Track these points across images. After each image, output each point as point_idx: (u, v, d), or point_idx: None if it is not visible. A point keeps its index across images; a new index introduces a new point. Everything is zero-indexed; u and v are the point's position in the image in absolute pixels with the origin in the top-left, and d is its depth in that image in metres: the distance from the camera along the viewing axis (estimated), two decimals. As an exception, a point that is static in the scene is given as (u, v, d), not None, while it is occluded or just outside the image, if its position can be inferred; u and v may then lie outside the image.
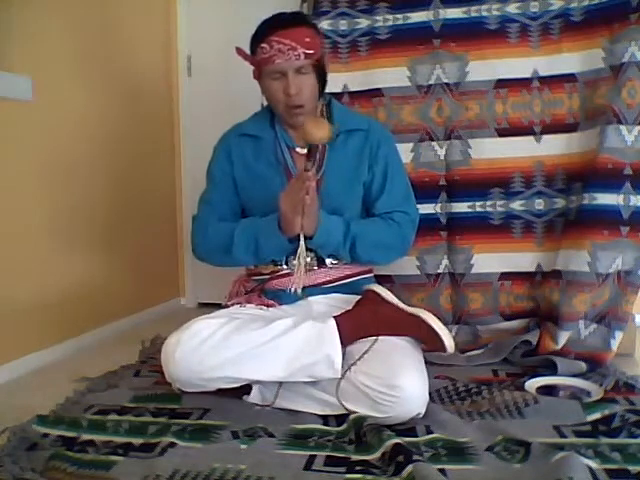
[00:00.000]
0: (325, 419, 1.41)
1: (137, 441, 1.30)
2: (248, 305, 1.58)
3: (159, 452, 1.23)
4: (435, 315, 1.48)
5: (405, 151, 1.93)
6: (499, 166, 1.94)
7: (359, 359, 1.39)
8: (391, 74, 1.99)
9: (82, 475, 1.16)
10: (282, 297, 1.60)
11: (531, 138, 1.93)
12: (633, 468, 1.14)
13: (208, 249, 1.60)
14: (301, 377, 1.39)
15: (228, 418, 1.41)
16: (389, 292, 1.55)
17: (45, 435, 1.33)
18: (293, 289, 1.53)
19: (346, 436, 1.31)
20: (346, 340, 1.41)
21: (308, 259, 1.54)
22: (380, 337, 1.43)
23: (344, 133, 1.59)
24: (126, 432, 1.35)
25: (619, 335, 1.81)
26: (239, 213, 1.65)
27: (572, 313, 1.80)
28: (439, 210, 1.98)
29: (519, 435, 1.26)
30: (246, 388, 1.47)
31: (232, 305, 1.60)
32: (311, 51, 1.46)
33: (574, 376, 1.69)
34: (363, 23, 2.02)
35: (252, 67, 1.55)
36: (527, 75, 1.92)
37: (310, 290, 1.57)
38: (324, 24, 2.01)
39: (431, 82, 1.98)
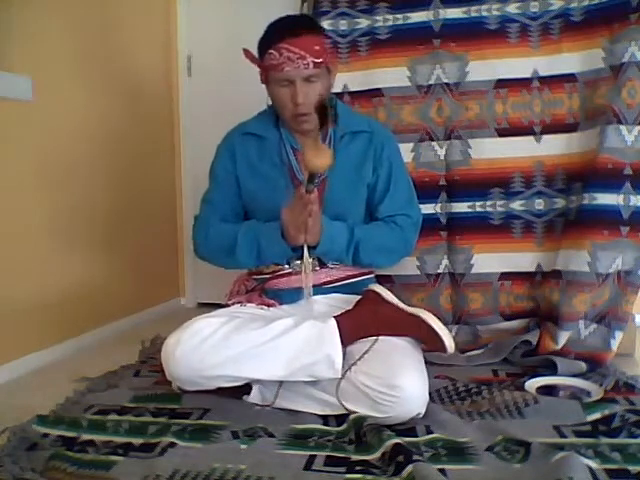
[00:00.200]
0: (325, 419, 1.41)
1: (137, 441, 1.30)
2: (249, 304, 1.58)
3: (159, 452, 1.23)
4: (435, 315, 1.49)
5: (405, 151, 1.93)
6: (499, 166, 1.94)
7: (359, 359, 1.39)
8: (391, 74, 1.99)
9: (82, 475, 1.16)
10: (283, 297, 1.60)
11: (531, 138, 1.93)
12: (633, 468, 1.14)
13: (210, 250, 1.60)
14: (301, 377, 1.39)
15: (228, 418, 1.41)
16: (389, 292, 1.55)
17: (45, 435, 1.33)
18: (306, 296, 1.54)
19: (346, 436, 1.31)
20: (346, 340, 1.41)
21: (310, 259, 1.54)
22: (380, 337, 1.43)
23: (348, 134, 1.59)
24: (126, 432, 1.35)
25: (619, 335, 1.81)
26: (241, 213, 1.65)
27: (572, 313, 1.80)
28: (439, 210, 1.98)
29: (519, 435, 1.26)
30: (246, 388, 1.47)
31: (233, 304, 1.60)
32: (320, 59, 1.45)
33: (574, 376, 1.69)
34: (363, 23, 2.02)
35: (258, 69, 1.53)
36: (527, 75, 1.92)
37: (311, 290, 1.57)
38: (324, 24, 2.01)
39: (431, 82, 1.98)
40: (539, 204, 1.93)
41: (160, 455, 1.22)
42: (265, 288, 1.63)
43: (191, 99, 2.89)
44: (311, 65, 1.44)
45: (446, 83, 1.97)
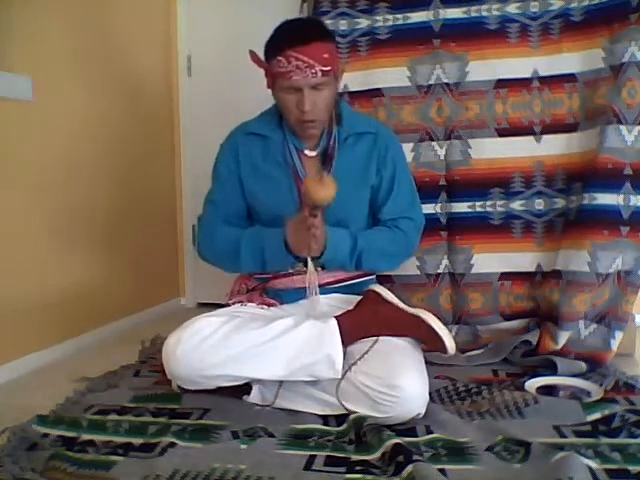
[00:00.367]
0: (325, 419, 1.41)
1: (137, 441, 1.30)
2: (249, 304, 1.58)
3: (159, 452, 1.23)
4: (435, 315, 1.49)
5: (405, 151, 1.91)
6: (499, 166, 1.94)
7: (359, 359, 1.39)
8: (391, 74, 1.99)
9: (82, 475, 1.16)
10: (283, 296, 1.60)
11: (531, 138, 1.93)
12: (633, 468, 1.14)
13: (214, 254, 1.60)
14: (301, 377, 1.39)
15: (228, 418, 1.41)
16: (390, 292, 1.55)
17: (45, 435, 1.33)
18: (310, 295, 1.53)
19: (346, 436, 1.31)
20: (347, 340, 1.41)
21: (313, 268, 1.53)
22: (381, 337, 1.43)
23: (353, 136, 1.59)
24: (126, 432, 1.35)
25: (619, 335, 1.81)
26: (245, 215, 1.63)
27: (572, 313, 1.80)
28: (439, 210, 1.98)
29: (519, 435, 1.27)
30: (246, 388, 1.47)
31: (233, 303, 1.59)
32: (328, 67, 1.42)
33: (574, 376, 1.69)
34: (363, 23, 2.02)
35: (262, 71, 1.50)
36: (527, 75, 1.92)
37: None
38: (324, 24, 2.01)
39: (431, 82, 1.98)
40: (539, 204, 1.93)
41: (160, 455, 1.22)
42: (266, 288, 1.63)
43: (191, 99, 2.89)
44: (319, 74, 1.41)
45: (446, 83, 1.97)
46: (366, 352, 1.40)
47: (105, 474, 1.16)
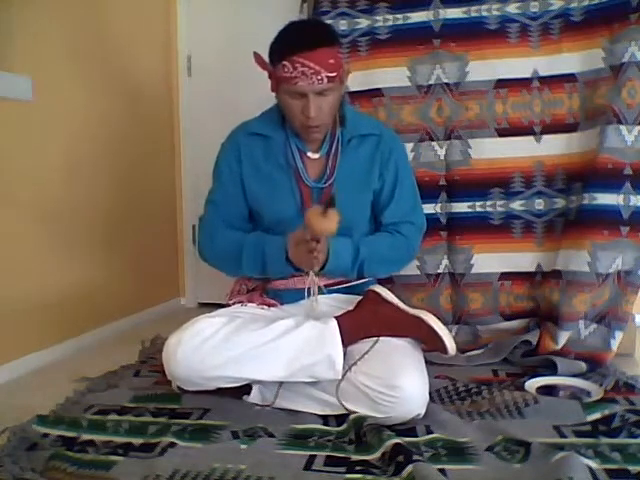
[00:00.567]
0: (325, 419, 1.41)
1: (137, 441, 1.30)
2: (249, 304, 1.57)
3: (159, 452, 1.23)
4: (435, 315, 1.49)
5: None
6: (499, 166, 1.94)
7: (359, 359, 1.39)
8: (391, 74, 1.99)
9: (82, 475, 1.16)
10: (284, 297, 1.60)
11: (531, 138, 1.93)
12: (633, 468, 1.14)
13: (215, 258, 1.59)
14: (302, 377, 1.39)
15: (228, 418, 1.41)
16: (390, 292, 1.55)
17: (45, 435, 1.33)
18: (312, 298, 1.53)
19: (346, 436, 1.31)
20: (347, 340, 1.41)
21: (315, 278, 1.53)
22: (381, 337, 1.43)
23: (356, 138, 1.58)
24: (126, 432, 1.35)
25: (619, 335, 1.81)
26: (246, 216, 1.62)
27: (572, 313, 1.80)
28: (439, 210, 1.98)
29: (519, 435, 1.27)
30: (246, 388, 1.47)
31: (233, 304, 1.59)
32: (334, 73, 1.40)
33: (574, 376, 1.69)
34: (363, 23, 2.02)
35: (266, 73, 1.48)
36: (527, 75, 1.92)
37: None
38: (324, 24, 2.01)
39: (431, 82, 1.98)
40: (539, 204, 1.93)
41: (160, 455, 1.22)
42: (266, 288, 1.62)
43: (191, 99, 2.89)
44: (325, 80, 1.39)
45: (446, 83, 1.97)
46: (366, 352, 1.39)
47: (105, 474, 1.16)
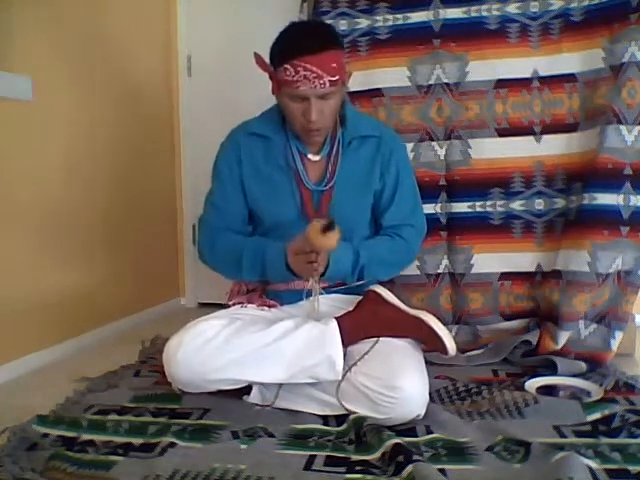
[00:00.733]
0: (325, 419, 1.41)
1: (137, 441, 1.30)
2: (249, 305, 1.57)
3: (159, 452, 1.23)
4: (435, 315, 1.48)
5: (405, 151, 1.93)
6: (499, 166, 1.94)
7: (359, 360, 1.39)
8: (391, 74, 1.99)
9: (82, 475, 1.16)
10: (284, 297, 1.60)
11: (531, 138, 1.93)
12: (633, 468, 1.14)
13: (215, 261, 1.59)
14: (302, 378, 1.39)
15: (228, 418, 1.41)
16: (390, 293, 1.54)
17: (45, 435, 1.33)
18: (312, 298, 1.53)
19: (346, 436, 1.31)
20: (347, 341, 1.41)
21: (316, 285, 1.53)
22: (381, 338, 1.43)
23: (357, 139, 1.57)
24: (126, 432, 1.35)
25: (619, 335, 1.81)
26: (246, 218, 1.61)
27: (572, 313, 1.80)
28: (439, 210, 1.98)
29: (519, 435, 1.27)
30: (246, 388, 1.47)
31: (233, 305, 1.59)
32: (336, 77, 1.38)
33: (574, 376, 1.69)
34: (363, 23, 2.02)
35: (266, 74, 1.47)
36: (527, 75, 1.92)
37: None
38: (324, 24, 2.01)
39: (431, 82, 1.98)
40: (539, 204, 1.93)
41: (160, 455, 1.22)
42: (266, 289, 1.62)
43: (191, 99, 2.89)
44: (327, 84, 1.37)
45: (446, 83, 1.97)
46: (366, 353, 1.39)
47: (105, 474, 1.16)
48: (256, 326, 1.41)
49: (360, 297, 1.55)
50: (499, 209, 1.95)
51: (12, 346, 1.86)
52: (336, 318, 1.44)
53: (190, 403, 1.50)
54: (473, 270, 1.96)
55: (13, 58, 1.85)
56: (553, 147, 1.92)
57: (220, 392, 1.45)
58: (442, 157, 1.98)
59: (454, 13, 1.96)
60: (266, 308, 1.57)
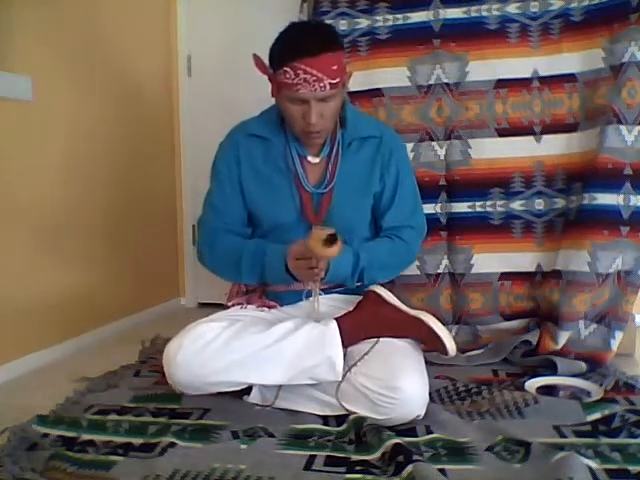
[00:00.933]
0: (325, 419, 1.41)
1: (137, 441, 1.30)
2: (249, 306, 1.57)
3: (159, 452, 1.23)
4: (435, 315, 1.49)
5: (405, 151, 1.93)
6: (499, 166, 1.94)
7: (359, 360, 1.39)
8: (391, 74, 1.99)
9: (82, 475, 1.16)
10: (284, 298, 1.59)
11: (531, 138, 1.93)
12: (633, 468, 1.14)
13: (214, 264, 1.58)
14: (303, 379, 1.39)
15: (228, 418, 1.41)
16: (390, 293, 1.54)
17: (45, 435, 1.33)
18: (312, 299, 1.53)
19: (346, 436, 1.31)
20: (347, 342, 1.41)
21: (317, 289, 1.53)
22: (381, 338, 1.43)
23: (357, 140, 1.56)
24: (126, 432, 1.35)
25: (619, 335, 1.81)
26: (245, 219, 1.60)
27: (572, 313, 1.80)
28: (439, 210, 1.98)
29: (519, 435, 1.27)
30: (246, 388, 1.46)
31: (232, 306, 1.59)
32: (337, 80, 1.37)
33: (574, 376, 1.69)
34: (363, 23, 2.02)
35: (265, 76, 1.46)
36: (527, 75, 1.92)
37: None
38: (324, 24, 2.01)
39: (431, 82, 1.98)
40: (539, 204, 1.93)
41: (160, 455, 1.22)
42: (266, 290, 1.61)
43: (191, 99, 2.89)
44: (328, 87, 1.35)
45: (446, 83, 1.97)
46: (366, 353, 1.39)
47: (105, 474, 1.16)
48: (256, 328, 1.41)
49: (360, 297, 1.55)
50: (499, 209, 1.95)
51: (12, 346, 1.86)
52: (336, 319, 1.44)
53: (190, 403, 1.50)
54: (473, 270, 1.96)
55: (13, 58, 1.85)
56: (553, 147, 1.92)
57: (220, 392, 1.45)
58: (442, 157, 1.98)
59: (454, 13, 1.96)
60: (266, 309, 1.57)
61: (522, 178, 1.94)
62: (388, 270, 1.60)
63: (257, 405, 1.47)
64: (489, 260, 1.95)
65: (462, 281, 1.97)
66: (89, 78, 2.24)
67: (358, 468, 1.17)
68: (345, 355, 1.40)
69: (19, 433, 1.31)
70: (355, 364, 1.38)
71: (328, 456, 1.22)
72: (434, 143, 1.99)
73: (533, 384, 1.63)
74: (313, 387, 1.43)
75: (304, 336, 1.38)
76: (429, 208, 1.95)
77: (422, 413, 1.35)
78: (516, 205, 1.95)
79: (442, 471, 1.14)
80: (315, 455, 1.23)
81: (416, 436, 1.30)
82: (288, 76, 1.36)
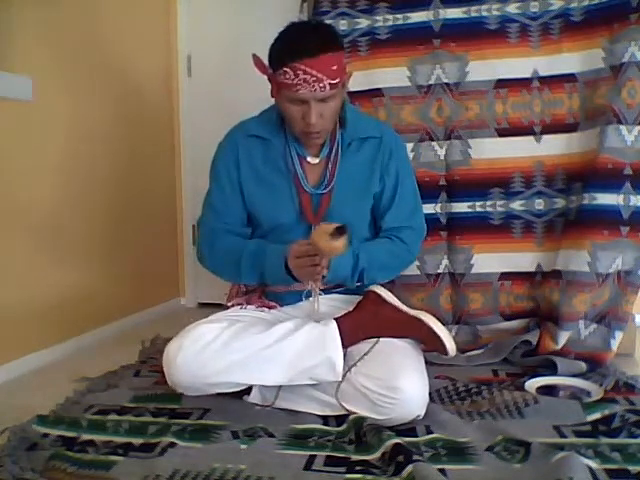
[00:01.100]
0: (325, 419, 1.41)
1: (137, 441, 1.30)
2: (249, 306, 1.57)
3: (159, 452, 1.23)
4: (435, 315, 1.49)
5: (405, 151, 1.93)
6: (499, 166, 1.94)
7: (359, 360, 1.39)
8: (391, 74, 1.99)
9: (82, 475, 1.16)
10: (284, 298, 1.59)
11: (531, 138, 1.93)
12: (633, 468, 1.14)
13: (214, 264, 1.58)
14: (303, 380, 1.39)
15: (228, 418, 1.41)
16: (390, 293, 1.54)
17: (45, 435, 1.33)
18: (312, 299, 1.52)
19: (346, 436, 1.31)
20: (347, 342, 1.41)
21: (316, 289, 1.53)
22: (381, 338, 1.43)
23: (357, 141, 1.56)
24: (126, 432, 1.35)
25: (619, 335, 1.81)
26: (245, 219, 1.60)
27: (572, 313, 1.80)
28: (439, 210, 1.98)
29: (519, 435, 1.27)
30: (246, 388, 1.46)
31: (232, 306, 1.59)
32: (337, 80, 1.36)
33: (574, 376, 1.69)
34: (363, 23, 2.02)
35: (265, 76, 1.45)
36: (527, 75, 1.92)
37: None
38: (324, 24, 2.01)
39: (431, 82, 1.98)
40: (539, 204, 1.93)
41: (160, 455, 1.22)
42: (265, 290, 1.61)
43: (191, 99, 2.89)
44: (328, 88, 1.35)
45: (446, 83, 1.97)
46: (366, 353, 1.39)
47: (105, 474, 1.16)
48: (256, 328, 1.41)
49: (360, 297, 1.55)
50: (499, 209, 1.95)
51: (12, 346, 1.86)
52: (336, 319, 1.44)
53: (190, 403, 1.50)
54: (473, 270, 1.96)
55: (13, 58, 1.85)
56: (553, 147, 1.92)
57: (220, 392, 1.45)
58: (442, 157, 1.98)
59: (454, 13, 1.96)
60: (265, 309, 1.57)
61: (522, 178, 1.94)
62: (388, 270, 1.59)
63: (257, 405, 1.47)
64: (489, 260, 1.95)
65: (462, 281, 1.97)
66: (89, 78, 2.23)
67: (358, 468, 1.17)
68: (345, 355, 1.40)
69: (19, 433, 1.31)
70: (355, 364, 1.38)
71: (328, 456, 1.22)
72: (434, 143, 1.99)
73: (533, 384, 1.63)
74: (313, 387, 1.43)
75: (304, 336, 1.38)
76: (429, 208, 1.95)
77: (422, 413, 1.35)
78: (516, 205, 1.95)
79: (442, 471, 1.14)
80: (315, 455, 1.23)
81: (416, 436, 1.30)
82: (288, 76, 1.35)
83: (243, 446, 1.25)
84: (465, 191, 1.97)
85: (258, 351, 1.36)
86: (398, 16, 2.00)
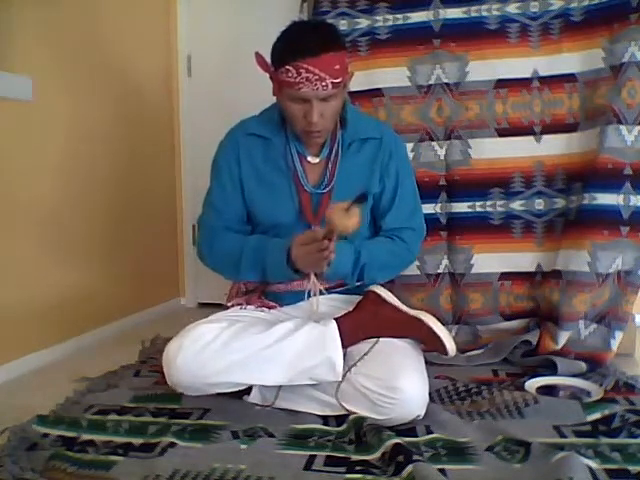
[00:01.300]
0: (325, 419, 1.41)
1: (137, 441, 1.30)
2: (249, 306, 1.57)
3: (159, 452, 1.23)
4: (435, 315, 1.48)
5: (405, 151, 1.93)
6: (499, 166, 1.94)
7: (359, 360, 1.39)
8: (391, 74, 1.99)
9: (82, 475, 1.16)
10: (283, 298, 1.59)
11: (531, 138, 1.93)
12: (633, 468, 1.14)
13: (215, 261, 1.58)
14: (302, 380, 1.39)
15: (228, 418, 1.41)
16: (390, 293, 1.54)
17: (45, 435, 1.33)
18: (312, 299, 1.52)
19: (346, 436, 1.31)
20: (347, 342, 1.41)
21: (316, 282, 1.52)
22: (381, 338, 1.43)
23: (357, 142, 1.56)
24: (126, 432, 1.35)
25: (619, 335, 1.81)
26: (245, 217, 1.60)
27: (572, 313, 1.80)
28: (439, 210, 1.98)
29: (519, 435, 1.27)
30: (246, 388, 1.46)
31: (232, 306, 1.59)
32: (339, 79, 1.37)
33: (574, 376, 1.69)
34: (363, 23, 2.02)
35: (266, 74, 1.46)
36: (527, 75, 1.92)
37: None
38: (324, 24, 2.01)
39: (431, 82, 1.98)
40: (539, 204, 1.94)
41: (160, 455, 1.22)
42: (265, 290, 1.61)
43: (191, 99, 2.89)
44: (330, 87, 1.36)
45: (446, 83, 1.97)
46: (366, 353, 1.39)
47: (105, 474, 1.16)
48: (255, 328, 1.41)
49: (360, 297, 1.55)
50: (499, 209, 1.95)
51: (12, 346, 1.86)
52: (336, 319, 1.44)
53: (190, 403, 1.50)
54: (473, 270, 1.96)
55: (13, 58, 1.85)
56: (553, 147, 1.92)
57: (220, 392, 1.45)
58: (442, 157, 1.98)
59: (454, 13, 1.96)
60: (265, 309, 1.57)
61: (522, 178, 1.94)
62: (388, 270, 1.60)
63: (257, 405, 1.47)
64: (489, 260, 1.95)
65: (462, 281, 1.97)
66: (89, 78, 2.23)
67: (358, 468, 1.17)
68: (345, 355, 1.40)
69: (19, 433, 1.31)
70: (355, 364, 1.38)
71: (328, 456, 1.22)
72: (434, 143, 1.99)
73: (533, 384, 1.63)
74: (313, 387, 1.43)
75: (304, 336, 1.38)
76: (429, 208, 1.95)
77: (422, 413, 1.35)
78: (516, 205, 1.95)
79: (442, 471, 1.14)
80: (315, 455, 1.23)
81: (416, 436, 1.30)
82: (290, 75, 1.36)
83: (243, 446, 1.25)
84: (465, 191, 1.97)
85: (258, 351, 1.36)
86: (398, 16, 2.00)
